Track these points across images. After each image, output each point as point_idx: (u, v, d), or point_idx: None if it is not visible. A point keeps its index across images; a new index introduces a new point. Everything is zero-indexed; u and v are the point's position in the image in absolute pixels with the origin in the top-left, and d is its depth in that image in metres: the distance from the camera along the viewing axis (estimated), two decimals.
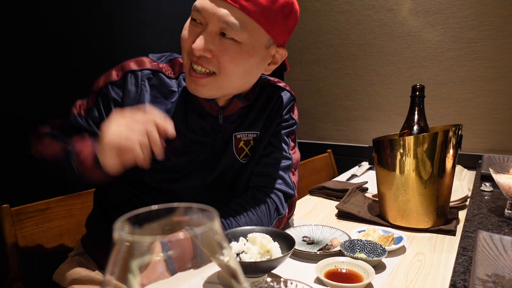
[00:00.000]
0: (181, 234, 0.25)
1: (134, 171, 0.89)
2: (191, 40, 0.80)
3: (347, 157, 2.30)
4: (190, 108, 0.88)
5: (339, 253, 0.82)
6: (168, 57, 0.93)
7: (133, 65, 0.87)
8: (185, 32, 0.82)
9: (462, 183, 1.38)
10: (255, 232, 0.79)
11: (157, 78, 0.88)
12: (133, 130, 0.69)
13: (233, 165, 0.96)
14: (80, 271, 0.94)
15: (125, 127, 0.69)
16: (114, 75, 0.87)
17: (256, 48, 0.81)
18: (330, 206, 1.25)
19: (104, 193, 0.97)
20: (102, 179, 0.75)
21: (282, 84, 1.03)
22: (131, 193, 0.93)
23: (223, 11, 0.76)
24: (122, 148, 0.68)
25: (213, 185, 0.95)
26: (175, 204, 0.29)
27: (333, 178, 1.76)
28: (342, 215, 1.12)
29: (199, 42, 0.77)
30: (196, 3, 0.79)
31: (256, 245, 0.75)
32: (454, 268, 0.77)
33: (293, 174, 1.02)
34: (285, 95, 1.02)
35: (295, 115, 1.05)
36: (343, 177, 1.71)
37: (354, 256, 0.78)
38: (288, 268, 0.79)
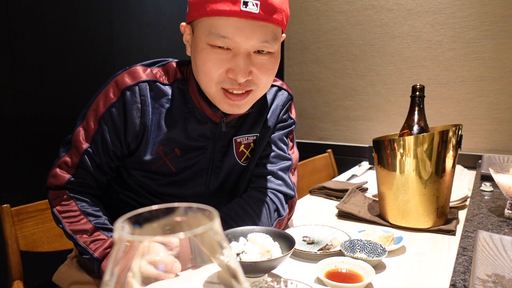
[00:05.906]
0: (179, 235, 0.25)
1: (136, 179, 0.89)
2: (222, 69, 0.77)
3: (347, 157, 2.31)
4: (189, 115, 0.87)
5: (339, 253, 0.82)
6: (161, 62, 0.89)
7: (127, 80, 0.83)
8: (210, 63, 0.76)
9: (462, 183, 1.38)
10: (255, 232, 0.79)
11: (155, 88, 0.84)
12: None
13: (234, 169, 0.96)
14: (80, 273, 0.94)
15: None
16: (111, 94, 0.83)
17: (279, 49, 0.82)
18: (330, 206, 1.25)
19: (106, 198, 0.96)
20: None
21: (279, 83, 1.02)
22: (133, 199, 0.93)
23: (259, 32, 0.74)
24: None
25: (217, 190, 0.95)
26: (175, 204, 0.29)
27: (333, 178, 1.76)
28: (342, 215, 1.12)
29: (242, 69, 0.75)
30: (219, 31, 0.73)
31: (256, 245, 0.75)
32: (454, 268, 0.77)
33: (293, 175, 1.01)
34: (283, 95, 1.00)
35: (293, 114, 1.04)
36: (343, 177, 1.71)
37: (354, 256, 0.78)
38: (288, 268, 0.79)
